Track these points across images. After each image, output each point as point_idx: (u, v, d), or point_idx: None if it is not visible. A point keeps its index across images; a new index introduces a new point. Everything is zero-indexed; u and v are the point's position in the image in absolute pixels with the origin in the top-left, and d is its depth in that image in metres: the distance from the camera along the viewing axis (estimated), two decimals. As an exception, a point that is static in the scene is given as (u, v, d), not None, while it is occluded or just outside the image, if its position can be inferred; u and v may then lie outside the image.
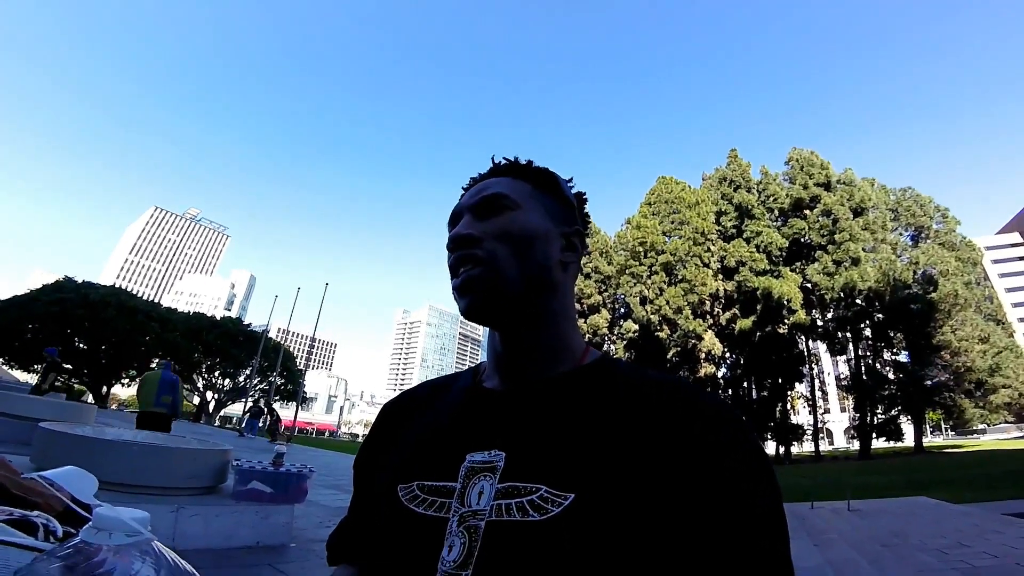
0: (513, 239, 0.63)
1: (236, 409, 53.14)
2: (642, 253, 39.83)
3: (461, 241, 0.63)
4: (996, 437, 48.24)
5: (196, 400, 46.35)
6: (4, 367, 37.67)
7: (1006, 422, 47.70)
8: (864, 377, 37.62)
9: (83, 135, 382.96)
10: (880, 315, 36.31)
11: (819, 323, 39.37)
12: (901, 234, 40.16)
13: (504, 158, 0.71)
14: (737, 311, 38.70)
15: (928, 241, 38.84)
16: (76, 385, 39.87)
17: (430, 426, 0.66)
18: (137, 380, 31.96)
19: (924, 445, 36.30)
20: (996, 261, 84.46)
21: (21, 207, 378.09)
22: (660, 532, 0.49)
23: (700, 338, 37.24)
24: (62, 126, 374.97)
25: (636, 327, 38.61)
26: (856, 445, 41.32)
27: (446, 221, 0.70)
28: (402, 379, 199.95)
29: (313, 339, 48.01)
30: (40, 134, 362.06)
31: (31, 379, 36.66)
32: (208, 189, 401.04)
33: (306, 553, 4.45)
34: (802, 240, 39.35)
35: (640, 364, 0.63)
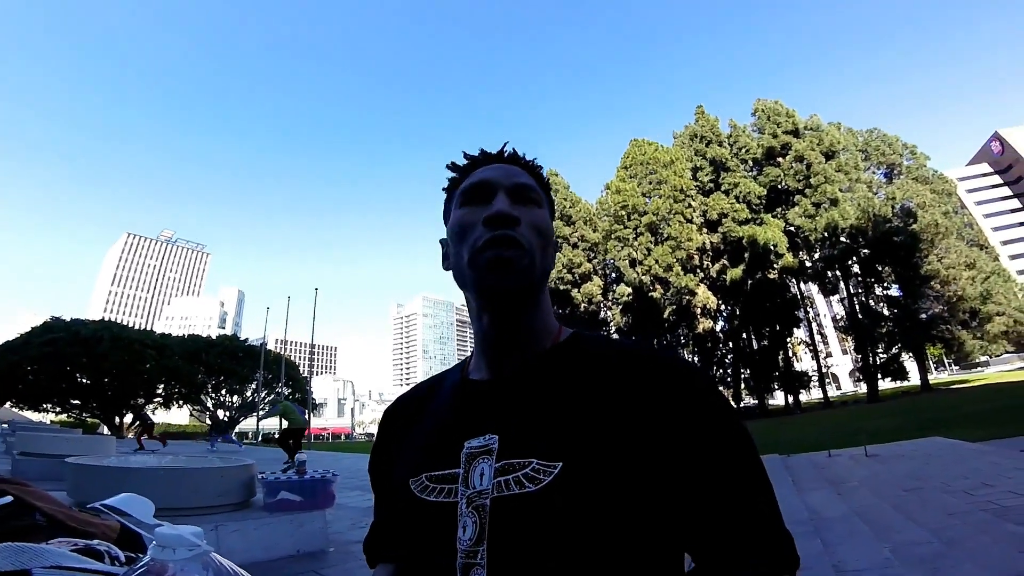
0: (542, 233, 0.68)
1: (250, 424, 53.27)
2: (625, 216, 39.89)
3: (507, 220, 0.65)
4: (1000, 369, 48.38)
5: (208, 419, 46.44)
6: (14, 409, 37.79)
7: (1007, 352, 47.97)
8: (860, 315, 38.11)
9: (40, 167, 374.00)
10: (866, 250, 36.73)
11: (807, 265, 39.76)
12: (874, 173, 40.59)
13: (514, 149, 0.76)
14: (726, 262, 39.00)
15: (901, 177, 39.27)
16: (88, 419, 40.04)
17: (429, 422, 0.72)
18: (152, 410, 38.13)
19: (930, 382, 36.59)
20: (970, 191, 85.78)
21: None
22: (640, 484, 0.55)
23: (693, 293, 37.54)
24: (18, 154, 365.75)
25: (629, 290, 38.83)
26: (863, 388, 41.83)
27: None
28: (407, 373, 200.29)
29: (312, 345, 47.92)
30: None
31: (44, 419, 36.79)
32: (179, 208, 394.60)
33: (345, 556, 4.50)
34: (779, 187, 39.59)
35: (632, 329, 0.74)
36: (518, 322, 0.68)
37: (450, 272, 0.73)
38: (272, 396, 44.74)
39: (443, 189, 0.78)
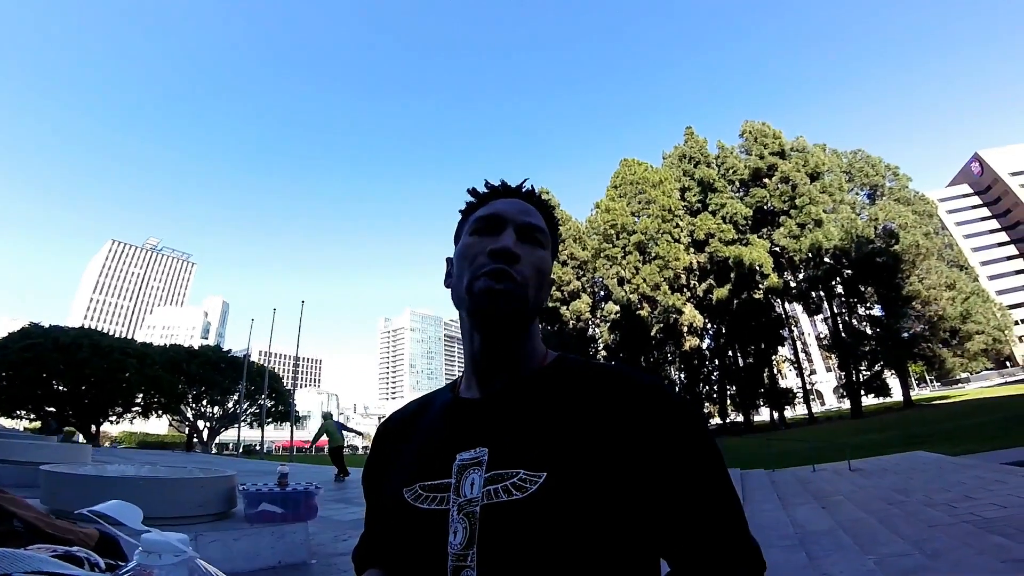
0: (541, 275, 0.74)
1: (231, 436, 52.32)
2: (614, 235, 40.26)
3: (508, 256, 0.71)
4: (980, 385, 49.20)
5: (187, 430, 45.58)
6: None
7: (987, 368, 48.81)
8: (843, 334, 38.63)
9: (24, 170, 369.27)
10: (849, 271, 37.36)
11: (792, 285, 40.30)
12: (858, 194, 41.39)
13: (532, 187, 0.82)
14: (712, 281, 39.40)
15: (884, 198, 40.06)
16: (64, 428, 39.14)
17: (422, 437, 0.78)
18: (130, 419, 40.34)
19: (912, 399, 37.05)
20: (951, 211, 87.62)
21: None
22: (619, 493, 0.62)
23: (680, 312, 37.82)
24: None
25: (617, 308, 39.03)
26: (847, 404, 42.24)
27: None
28: (392, 388, 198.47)
29: (297, 358, 47.39)
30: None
31: (16, 425, 35.86)
32: (165, 217, 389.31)
33: (327, 568, 4.48)
34: (765, 208, 40.29)
35: (620, 346, 0.82)
36: (507, 346, 0.74)
37: (449, 290, 0.79)
38: (254, 407, 44.08)
39: (459, 211, 0.84)
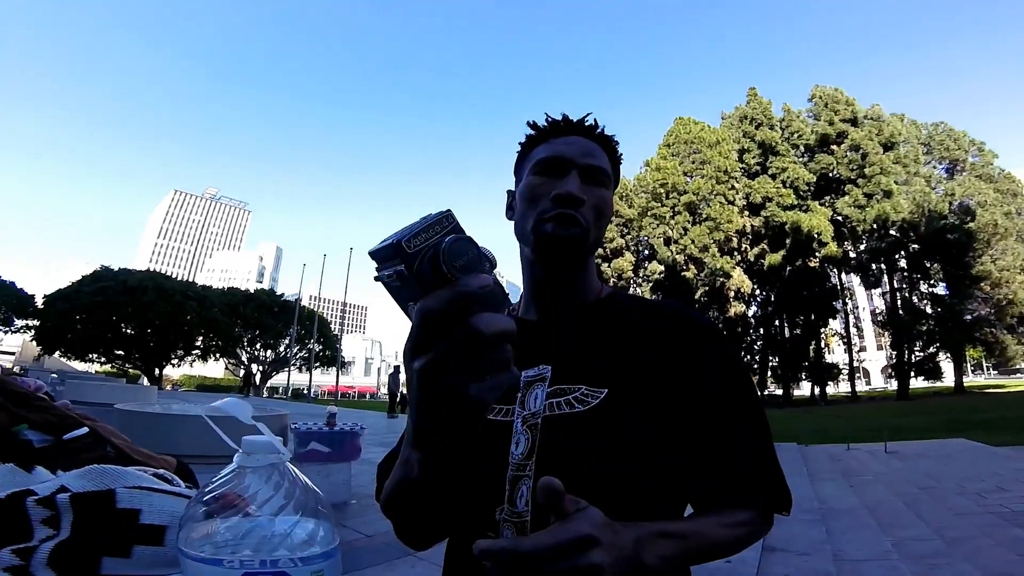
0: (602, 215, 0.78)
1: (280, 380, 54.59)
2: (663, 195, 39.03)
3: (572, 201, 0.74)
4: None
5: (242, 373, 47.86)
6: (63, 359, 39.72)
7: None
8: (900, 311, 36.59)
9: (95, 125, 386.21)
10: (915, 246, 35.03)
11: (851, 256, 38.29)
12: (935, 167, 38.13)
13: (595, 119, 0.82)
14: (765, 246, 37.93)
15: (964, 174, 36.75)
16: (131, 370, 41.87)
17: None
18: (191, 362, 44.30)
19: (964, 385, 35.16)
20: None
21: (47, 200, 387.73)
22: (671, 414, 0.68)
23: (728, 276, 36.77)
24: (75, 115, 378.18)
25: (661, 268, 38.26)
26: (894, 385, 40.48)
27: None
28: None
29: (344, 304, 48.94)
30: (53, 127, 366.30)
31: (89, 369, 38.71)
32: (224, 167, 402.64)
33: (365, 508, 4.72)
34: (830, 175, 37.85)
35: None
36: (567, 277, 0.79)
37: (511, 222, 0.84)
38: (303, 352, 45.92)
39: (519, 144, 0.86)
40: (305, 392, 42.03)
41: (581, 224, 0.74)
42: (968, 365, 48.16)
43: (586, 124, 0.81)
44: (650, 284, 39.24)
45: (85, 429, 1.23)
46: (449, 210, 0.43)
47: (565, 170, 0.77)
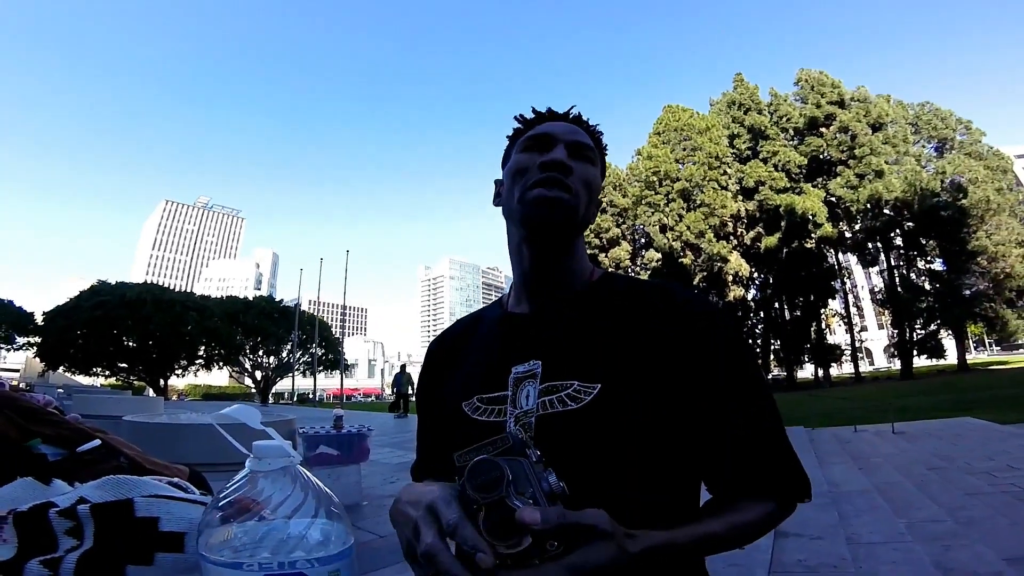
0: (590, 188, 0.76)
1: (284, 385, 54.44)
2: (656, 182, 38.98)
3: (561, 167, 0.73)
4: None
5: (258, 377, 47.40)
6: (67, 374, 39.73)
7: None
8: (899, 289, 36.60)
9: (79, 138, 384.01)
10: (910, 223, 35.03)
11: (847, 235, 38.31)
12: (924, 147, 38.20)
13: (579, 112, 0.83)
14: (761, 230, 37.92)
15: (953, 152, 36.70)
16: (136, 382, 41.81)
17: (476, 352, 0.80)
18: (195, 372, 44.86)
19: (968, 362, 35.15)
20: (1029, 168, 79.84)
21: (36, 219, 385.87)
22: (669, 407, 0.65)
23: (726, 260, 36.76)
24: (58, 130, 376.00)
25: (659, 256, 38.25)
26: (897, 364, 40.35)
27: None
28: (433, 335, 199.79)
29: (344, 307, 48.75)
30: (39, 142, 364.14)
31: (94, 382, 38.74)
32: (214, 175, 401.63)
33: (378, 509, 4.68)
34: (821, 157, 37.86)
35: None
36: (557, 261, 0.76)
37: (499, 208, 0.83)
38: (306, 356, 45.78)
39: (507, 137, 0.86)
40: (310, 396, 41.95)
41: (570, 189, 0.72)
42: (970, 342, 48.09)
43: (571, 116, 0.82)
44: (648, 272, 39.21)
45: (98, 441, 1.23)
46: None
47: (552, 144, 0.76)
